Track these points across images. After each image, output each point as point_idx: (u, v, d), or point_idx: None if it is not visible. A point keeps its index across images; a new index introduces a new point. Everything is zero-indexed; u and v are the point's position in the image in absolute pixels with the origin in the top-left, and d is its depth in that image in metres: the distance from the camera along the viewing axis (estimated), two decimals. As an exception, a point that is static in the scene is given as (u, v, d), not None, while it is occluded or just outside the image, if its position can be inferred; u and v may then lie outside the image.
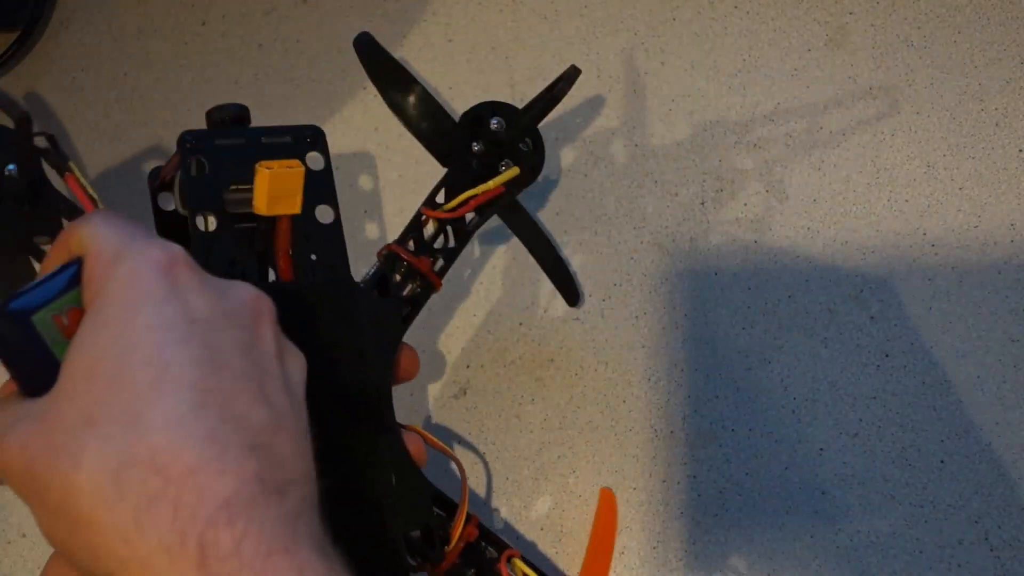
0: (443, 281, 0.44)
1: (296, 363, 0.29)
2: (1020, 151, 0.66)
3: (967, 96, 0.67)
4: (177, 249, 0.27)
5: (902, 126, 0.67)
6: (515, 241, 0.67)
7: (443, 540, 0.37)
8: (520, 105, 0.50)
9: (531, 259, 0.66)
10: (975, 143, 0.66)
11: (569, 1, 0.72)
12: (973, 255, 0.65)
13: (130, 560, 0.25)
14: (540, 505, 0.63)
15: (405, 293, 0.41)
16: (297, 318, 0.33)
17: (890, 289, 0.64)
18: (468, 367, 0.65)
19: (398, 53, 0.72)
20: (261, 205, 0.34)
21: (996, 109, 0.67)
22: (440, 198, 0.45)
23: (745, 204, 0.67)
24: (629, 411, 0.64)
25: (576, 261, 0.67)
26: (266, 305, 0.29)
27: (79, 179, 0.34)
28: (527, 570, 0.40)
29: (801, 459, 0.63)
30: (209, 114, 0.38)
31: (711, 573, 0.62)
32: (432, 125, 0.48)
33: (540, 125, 0.51)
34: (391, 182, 0.69)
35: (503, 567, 0.39)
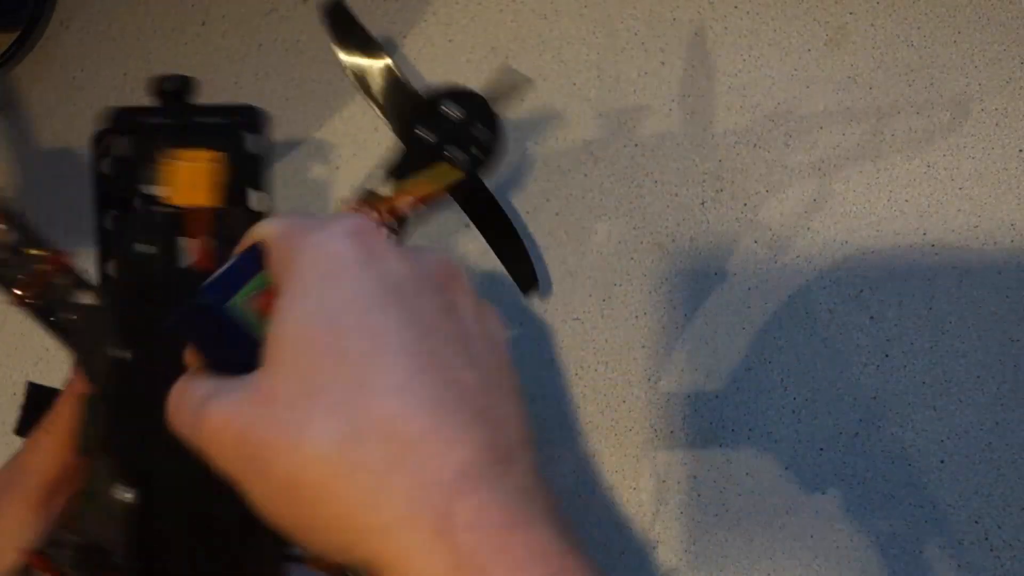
0: None
1: (495, 323, 0.29)
2: (1020, 151, 0.66)
3: (967, 96, 0.67)
4: (364, 219, 0.27)
5: (902, 126, 0.67)
6: (515, 241, 0.67)
7: None
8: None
9: (531, 257, 0.66)
10: (975, 143, 0.66)
11: (569, 1, 0.72)
12: (973, 255, 0.65)
13: (369, 531, 0.24)
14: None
15: None
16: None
17: (890, 289, 0.64)
18: (468, 367, 0.65)
19: (398, 53, 0.72)
20: (172, 195, 0.34)
21: (996, 109, 0.67)
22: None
23: (745, 204, 0.67)
24: (629, 411, 0.64)
25: (576, 261, 0.67)
26: (456, 269, 0.28)
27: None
28: None
29: (801, 459, 0.62)
30: (156, 83, 0.37)
31: (711, 573, 0.62)
32: (394, 103, 0.47)
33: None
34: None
35: None
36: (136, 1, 0.74)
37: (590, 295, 0.66)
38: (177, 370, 0.32)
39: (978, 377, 0.63)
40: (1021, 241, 0.65)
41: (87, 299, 0.35)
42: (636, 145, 0.68)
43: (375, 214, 0.40)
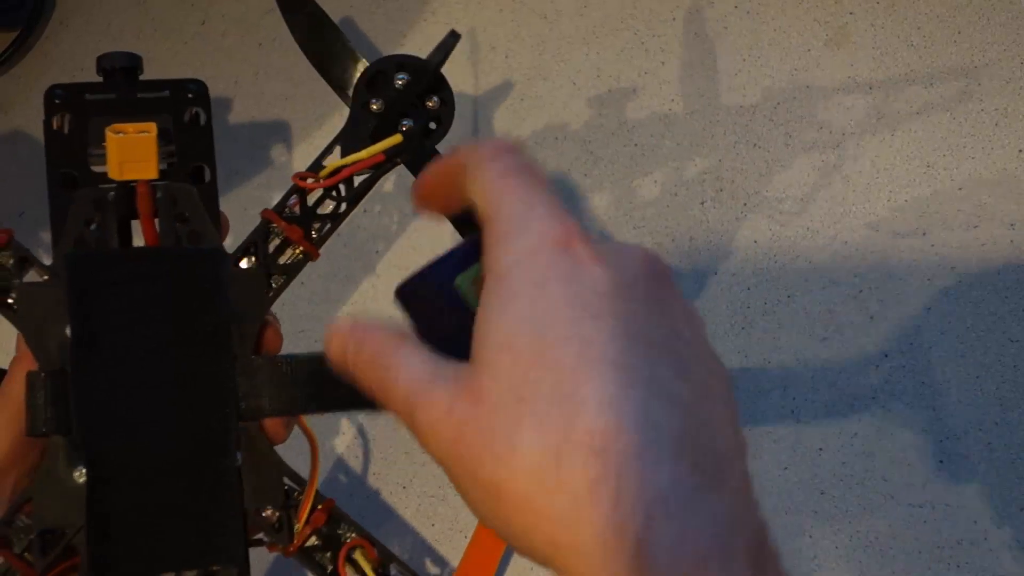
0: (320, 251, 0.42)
1: (698, 324, 0.28)
2: (1020, 151, 0.66)
3: (967, 96, 0.67)
4: (572, 223, 0.26)
5: (902, 126, 0.67)
6: (515, 241, 0.67)
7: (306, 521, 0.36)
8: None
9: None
10: (975, 143, 0.66)
11: (569, 1, 0.72)
12: (973, 255, 0.65)
13: (565, 547, 0.24)
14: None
15: (282, 261, 0.40)
16: (150, 287, 0.33)
17: (890, 289, 0.64)
18: (468, 367, 0.65)
19: (398, 53, 0.72)
20: (113, 170, 0.34)
21: (996, 109, 0.67)
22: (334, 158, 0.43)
23: (745, 204, 0.67)
24: (629, 411, 0.64)
25: (576, 261, 0.67)
26: (662, 267, 0.27)
27: None
28: (365, 565, 0.38)
29: (801, 459, 0.62)
30: (98, 61, 0.37)
31: (711, 573, 0.62)
32: (342, 72, 0.46)
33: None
34: (391, 179, 0.69)
35: (340, 565, 0.38)
36: (136, 1, 0.74)
37: (590, 295, 0.66)
38: (140, 349, 0.32)
39: (978, 377, 0.63)
40: (1021, 241, 0.65)
41: (33, 276, 0.34)
42: (636, 145, 0.68)
43: (319, 182, 0.40)
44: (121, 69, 0.37)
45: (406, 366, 0.27)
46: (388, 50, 0.72)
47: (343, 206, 0.41)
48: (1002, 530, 0.60)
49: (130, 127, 0.34)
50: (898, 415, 0.63)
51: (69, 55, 0.73)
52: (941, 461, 0.62)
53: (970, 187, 0.66)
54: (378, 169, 0.42)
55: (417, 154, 0.43)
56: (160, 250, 0.35)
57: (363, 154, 0.41)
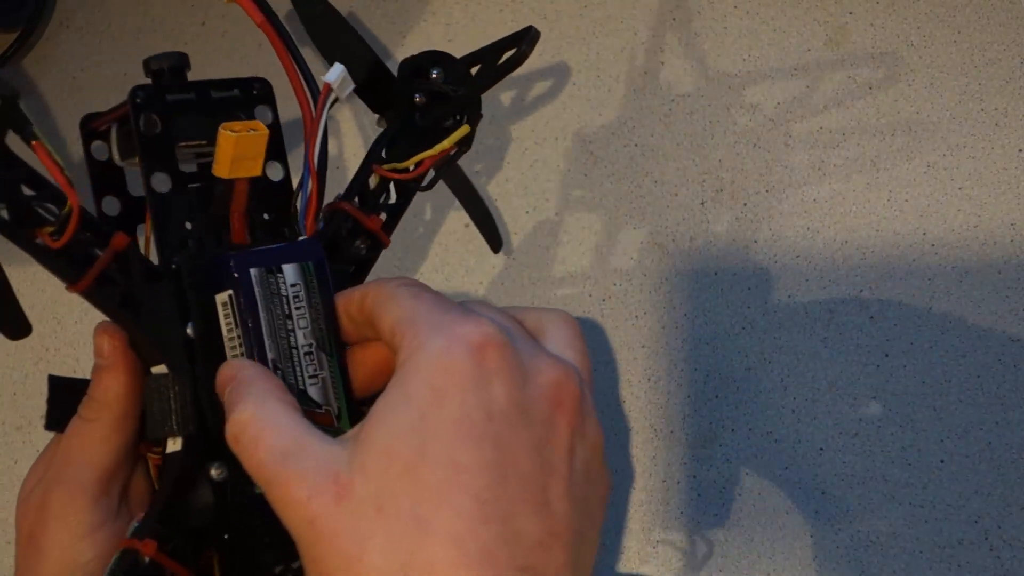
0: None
1: (591, 445, 0.29)
2: (1020, 151, 0.66)
3: (967, 96, 0.67)
4: (490, 328, 0.27)
5: (902, 126, 0.67)
6: (516, 243, 0.67)
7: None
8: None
9: (532, 257, 0.66)
10: (975, 143, 0.66)
11: (569, 1, 0.72)
12: (973, 255, 0.65)
13: None
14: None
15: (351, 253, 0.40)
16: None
17: (890, 289, 0.64)
18: (468, 367, 0.65)
19: (399, 53, 0.72)
20: (223, 169, 0.33)
21: (996, 109, 0.67)
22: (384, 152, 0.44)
23: (745, 204, 0.67)
24: (629, 411, 0.64)
25: (576, 261, 0.67)
26: (568, 392, 0.28)
27: (46, 146, 0.32)
28: None
29: (801, 459, 0.62)
30: (147, 63, 0.37)
31: (711, 573, 0.62)
32: (366, 72, 0.46)
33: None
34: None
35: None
36: (136, 1, 0.74)
37: (590, 295, 0.66)
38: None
39: (978, 377, 0.63)
40: (1021, 241, 0.65)
41: (146, 280, 0.34)
42: (636, 145, 0.68)
43: (410, 172, 0.41)
44: (171, 69, 0.37)
45: (270, 429, 0.28)
46: (388, 49, 0.73)
47: (397, 198, 0.42)
48: (1002, 530, 0.60)
49: (238, 125, 0.34)
50: (898, 415, 0.63)
51: (70, 55, 0.73)
52: (942, 461, 0.62)
53: (970, 187, 0.66)
54: (448, 161, 0.43)
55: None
56: (276, 248, 0.34)
57: (445, 144, 0.42)
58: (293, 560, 0.33)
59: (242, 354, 0.32)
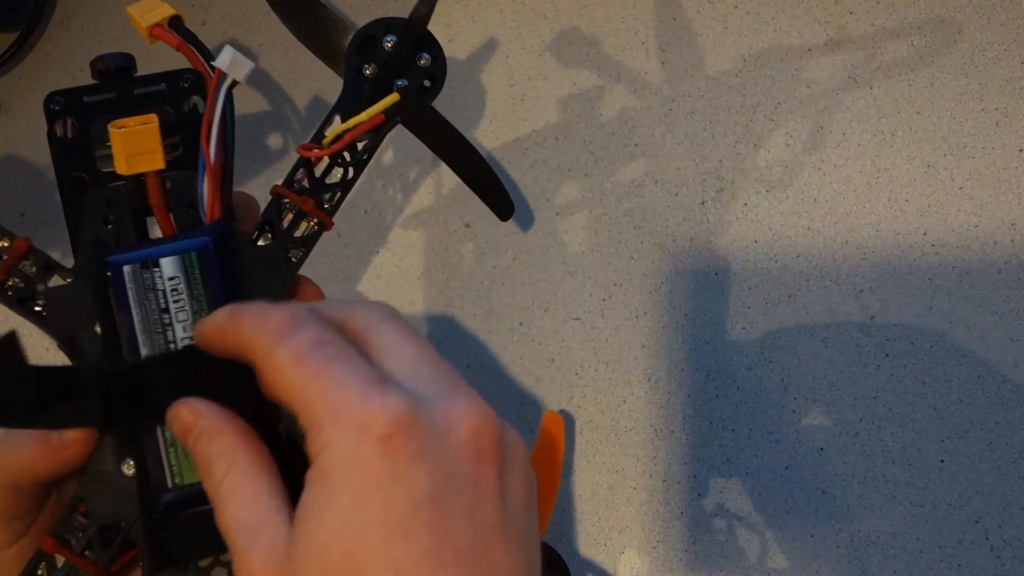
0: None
1: (524, 493, 0.29)
2: (1020, 151, 0.66)
3: (967, 96, 0.67)
4: (396, 405, 0.26)
5: (902, 126, 0.67)
6: (516, 241, 0.67)
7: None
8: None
9: (532, 257, 0.66)
10: (975, 143, 0.66)
11: (569, 1, 0.72)
12: (973, 255, 0.65)
13: None
14: (540, 505, 0.62)
15: (298, 234, 0.40)
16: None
17: (890, 289, 0.64)
18: (468, 367, 0.65)
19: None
20: (121, 165, 0.34)
21: (996, 109, 0.67)
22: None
23: (745, 204, 0.67)
24: (629, 411, 0.64)
25: (576, 261, 0.67)
26: (487, 437, 0.28)
27: None
28: None
29: (801, 459, 0.62)
30: (93, 64, 0.37)
31: (711, 573, 0.62)
32: (331, 43, 0.46)
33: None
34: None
35: None
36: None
37: (590, 295, 0.66)
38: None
39: (978, 377, 0.63)
40: (1021, 241, 0.65)
41: (56, 280, 0.34)
42: (636, 145, 0.69)
43: (324, 150, 0.40)
44: (116, 70, 0.37)
45: (234, 499, 0.28)
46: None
47: (351, 172, 0.41)
48: (1002, 530, 0.60)
49: (131, 121, 0.34)
50: (899, 415, 0.63)
51: (70, 56, 0.73)
52: (943, 461, 0.62)
53: (970, 187, 0.66)
54: (379, 130, 0.42)
55: (415, 111, 0.44)
56: (173, 242, 0.35)
57: (363, 116, 0.41)
58: (222, 552, 0.33)
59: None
